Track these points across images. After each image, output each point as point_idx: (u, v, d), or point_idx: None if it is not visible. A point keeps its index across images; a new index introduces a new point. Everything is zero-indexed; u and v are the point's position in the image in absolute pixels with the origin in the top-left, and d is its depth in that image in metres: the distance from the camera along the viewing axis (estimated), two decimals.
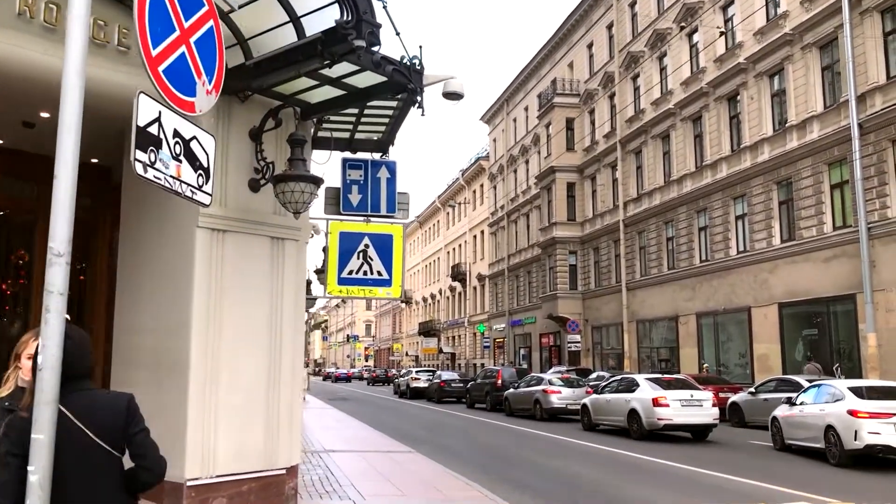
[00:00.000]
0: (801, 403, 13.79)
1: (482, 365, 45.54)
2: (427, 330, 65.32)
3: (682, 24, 28.52)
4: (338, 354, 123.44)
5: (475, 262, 56.26)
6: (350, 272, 8.74)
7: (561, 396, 21.64)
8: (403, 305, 79.53)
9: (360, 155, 9.00)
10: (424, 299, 71.66)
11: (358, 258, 8.77)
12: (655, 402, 15.94)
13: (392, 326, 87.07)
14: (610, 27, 35.43)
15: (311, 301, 20.07)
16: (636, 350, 31.91)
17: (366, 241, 8.80)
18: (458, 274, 58.81)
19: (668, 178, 29.99)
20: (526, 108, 46.23)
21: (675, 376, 19.01)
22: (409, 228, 78.37)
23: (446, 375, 35.27)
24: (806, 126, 22.09)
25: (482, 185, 55.73)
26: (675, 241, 29.37)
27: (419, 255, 74.77)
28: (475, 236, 56.81)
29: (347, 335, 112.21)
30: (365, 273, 8.76)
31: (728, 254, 25.76)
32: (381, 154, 9.06)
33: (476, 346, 54.39)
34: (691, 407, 15.98)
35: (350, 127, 8.62)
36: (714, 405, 16.29)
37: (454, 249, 62.30)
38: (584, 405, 19.07)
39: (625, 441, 15.93)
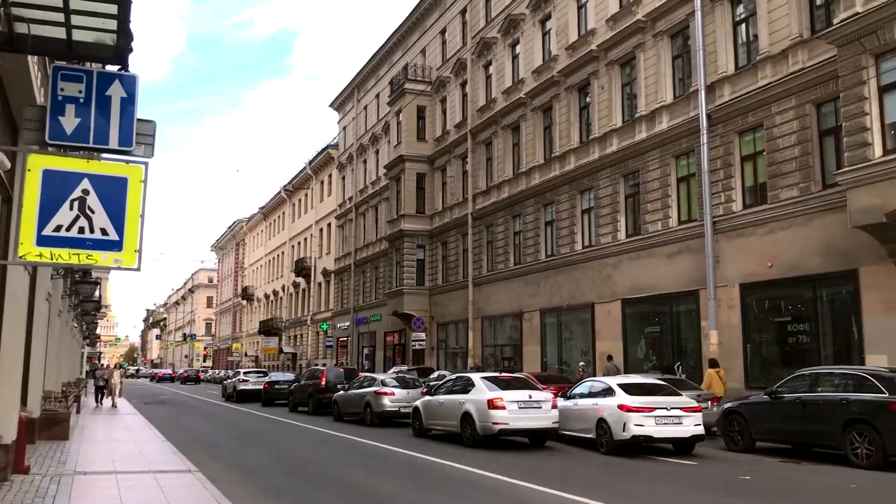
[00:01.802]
0: (577, 397, 14.76)
1: (323, 365, 42.76)
2: (268, 329, 61.57)
3: (536, 9, 27.43)
4: (176, 354, 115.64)
5: (321, 257, 53.34)
6: (58, 228, 6.11)
7: (394, 399, 19.51)
8: (245, 303, 74.91)
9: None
10: (266, 296, 67.64)
11: (71, 209, 6.15)
12: (491, 405, 14.19)
13: (232, 325, 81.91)
14: (464, 12, 33.91)
15: (89, 286, 16.63)
16: (481, 348, 30.57)
17: (85, 184, 6.20)
18: (302, 269, 55.50)
19: (517, 171, 28.80)
20: (377, 96, 44.05)
21: (514, 375, 17.40)
22: (253, 220, 74.05)
23: (275, 377, 32.57)
24: (655, 117, 21.38)
25: (330, 176, 52.93)
26: (523, 235, 28.24)
27: (263, 249, 70.60)
28: (322, 229, 53.88)
29: (185, 334, 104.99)
30: (81, 231, 6.16)
31: (574, 248, 24.80)
32: (119, 67, 6.53)
33: (319, 345, 51.47)
34: (529, 409, 14.35)
35: (62, 19, 6.00)
36: (554, 407, 14.76)
37: (299, 243, 58.96)
38: (416, 408, 17.09)
39: (456, 449, 14.06)
